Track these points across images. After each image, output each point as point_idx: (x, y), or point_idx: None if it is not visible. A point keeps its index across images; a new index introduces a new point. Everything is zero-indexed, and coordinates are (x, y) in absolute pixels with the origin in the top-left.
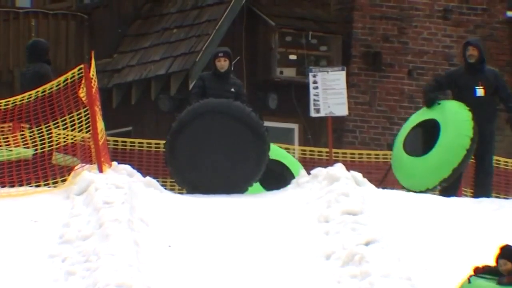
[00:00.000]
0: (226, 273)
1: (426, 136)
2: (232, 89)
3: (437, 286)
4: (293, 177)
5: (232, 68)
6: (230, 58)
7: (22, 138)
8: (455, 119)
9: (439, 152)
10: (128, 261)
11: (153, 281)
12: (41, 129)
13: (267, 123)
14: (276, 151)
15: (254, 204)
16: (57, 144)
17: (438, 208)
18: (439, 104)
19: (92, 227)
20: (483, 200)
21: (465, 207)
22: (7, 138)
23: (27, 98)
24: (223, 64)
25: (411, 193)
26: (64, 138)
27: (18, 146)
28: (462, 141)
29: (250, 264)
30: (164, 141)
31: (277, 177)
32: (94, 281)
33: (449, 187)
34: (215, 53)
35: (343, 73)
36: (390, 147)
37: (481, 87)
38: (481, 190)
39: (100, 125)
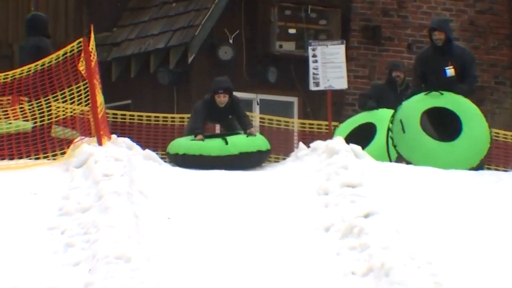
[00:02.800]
0: (225, 245)
1: (437, 123)
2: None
3: (436, 259)
4: None
5: (231, 40)
6: (231, 93)
7: (21, 111)
8: (475, 113)
9: (467, 141)
10: (127, 233)
11: (152, 253)
12: (40, 102)
13: (266, 97)
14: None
15: (253, 177)
16: (56, 117)
17: (437, 181)
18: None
19: (92, 199)
20: (483, 173)
21: (465, 179)
22: (6, 111)
23: (26, 72)
24: (222, 100)
25: (410, 166)
26: (63, 111)
27: (18, 119)
28: (487, 135)
29: (248, 237)
30: (164, 114)
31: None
32: (93, 253)
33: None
34: (215, 89)
35: (343, 47)
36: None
37: (451, 67)
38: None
39: (100, 98)
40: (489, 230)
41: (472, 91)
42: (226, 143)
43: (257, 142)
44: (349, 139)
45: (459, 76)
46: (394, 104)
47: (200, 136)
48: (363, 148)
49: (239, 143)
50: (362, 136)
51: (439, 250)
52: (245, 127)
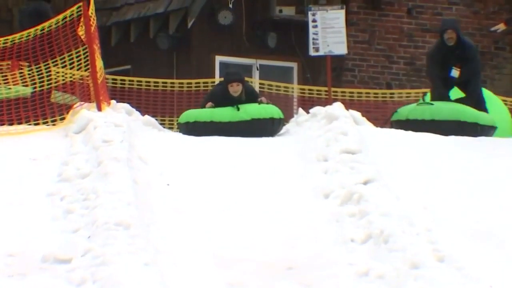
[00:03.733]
0: (224, 211)
1: None
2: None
3: (436, 225)
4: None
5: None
6: (243, 82)
7: (21, 76)
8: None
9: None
10: (127, 199)
11: (151, 219)
12: (40, 67)
13: (266, 62)
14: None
15: (253, 143)
16: (56, 83)
17: (436, 147)
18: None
19: (91, 165)
20: (482, 139)
21: (464, 145)
22: (6, 76)
23: (26, 36)
24: (236, 89)
25: (409, 132)
26: (63, 76)
27: (17, 84)
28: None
29: (248, 203)
30: (163, 80)
31: None
32: (93, 219)
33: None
34: (228, 79)
35: (343, 12)
36: (388, 85)
37: (458, 69)
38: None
39: (99, 63)
40: (488, 196)
41: (474, 100)
42: (238, 109)
43: (270, 109)
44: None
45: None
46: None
47: (210, 103)
48: None
49: (251, 109)
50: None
51: (439, 217)
52: (258, 99)
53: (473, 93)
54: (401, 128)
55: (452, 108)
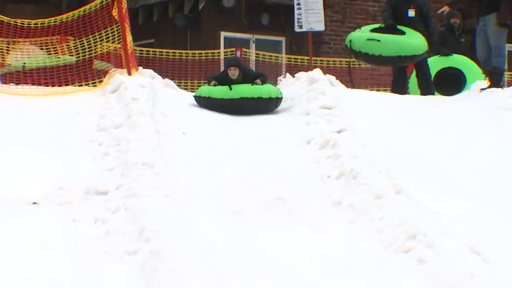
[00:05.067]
0: (227, 153)
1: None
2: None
3: (394, 164)
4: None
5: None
6: (240, 67)
7: (67, 48)
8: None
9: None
10: (151, 145)
11: (170, 161)
12: (82, 41)
13: (260, 37)
14: (454, 60)
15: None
16: (95, 53)
17: (394, 104)
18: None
19: (123, 118)
20: (431, 97)
21: (416, 102)
22: (56, 47)
23: (71, 17)
24: (233, 72)
25: (373, 92)
26: (101, 48)
27: (65, 54)
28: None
29: (247, 148)
30: (180, 50)
31: (455, 80)
32: (124, 160)
33: (399, 86)
34: (227, 65)
35: None
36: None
37: (413, 9)
38: (425, 91)
39: (129, 37)
40: (437, 140)
41: (434, 29)
42: (230, 89)
43: (260, 90)
44: (437, 79)
45: (418, 18)
46: (454, 45)
47: (214, 82)
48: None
49: (241, 89)
50: (449, 78)
51: (396, 158)
52: (256, 79)
53: (431, 27)
54: (355, 57)
55: (395, 44)
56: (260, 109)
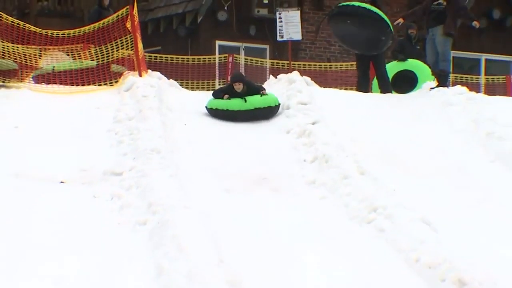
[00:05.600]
0: (222, 142)
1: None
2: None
3: (359, 150)
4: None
5: (226, 7)
6: (244, 81)
7: (89, 54)
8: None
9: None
10: (158, 134)
11: (174, 147)
12: (101, 48)
13: (248, 45)
14: (409, 64)
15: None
16: (112, 58)
17: (359, 100)
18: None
19: (135, 112)
20: (388, 95)
21: (377, 99)
22: (79, 53)
23: (92, 28)
24: (238, 87)
25: (342, 90)
26: (116, 54)
27: (87, 59)
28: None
29: (237, 137)
30: (182, 56)
31: (409, 80)
32: (136, 147)
33: (363, 86)
34: (233, 80)
35: (298, 12)
36: (328, 60)
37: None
38: (384, 90)
39: (140, 45)
40: (395, 130)
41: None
42: (245, 101)
43: (268, 100)
44: (395, 80)
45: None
46: (411, 52)
47: (227, 96)
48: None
49: (254, 101)
50: (404, 79)
51: (361, 145)
52: (259, 91)
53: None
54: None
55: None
56: (268, 115)
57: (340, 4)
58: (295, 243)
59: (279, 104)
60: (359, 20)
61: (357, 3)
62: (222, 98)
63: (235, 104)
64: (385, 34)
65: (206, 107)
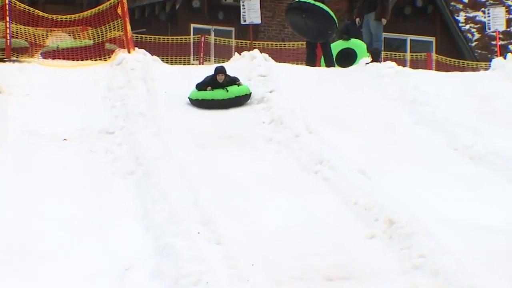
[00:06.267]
0: (194, 106)
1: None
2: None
3: (307, 113)
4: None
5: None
6: (225, 73)
7: (87, 35)
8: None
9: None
10: (144, 100)
11: (157, 111)
12: (97, 30)
13: (218, 27)
14: (351, 43)
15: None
16: (106, 38)
17: (308, 73)
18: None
19: (124, 82)
20: (332, 69)
21: (322, 72)
22: (79, 34)
23: (90, 13)
24: (221, 77)
25: (293, 65)
26: (109, 35)
27: (85, 39)
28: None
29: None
30: (163, 36)
31: (350, 56)
32: (126, 110)
33: (311, 62)
34: (216, 71)
35: (258, 1)
36: (283, 40)
37: None
38: (329, 64)
39: (128, 27)
40: (339, 95)
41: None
42: (227, 91)
43: (244, 89)
44: (339, 56)
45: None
46: (355, 33)
47: (209, 88)
48: (351, 63)
49: (234, 90)
50: (346, 55)
51: (310, 109)
52: (235, 82)
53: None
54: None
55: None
56: (244, 101)
57: (298, 0)
58: (256, 189)
59: (251, 93)
60: (313, 16)
61: (312, 1)
62: (206, 90)
63: (219, 94)
64: (331, 29)
65: (189, 98)
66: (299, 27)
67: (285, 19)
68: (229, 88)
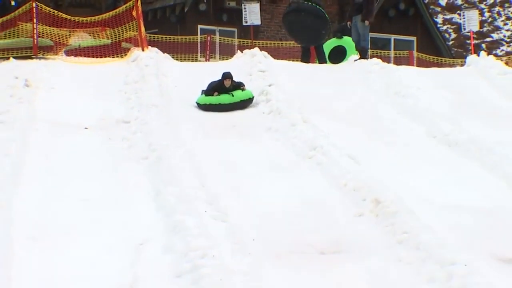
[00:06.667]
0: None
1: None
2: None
3: (303, 105)
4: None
5: (205, 1)
6: (232, 78)
7: (105, 35)
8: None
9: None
10: (156, 92)
11: (168, 102)
12: (114, 30)
13: (222, 28)
14: (343, 41)
15: (219, 66)
16: (123, 38)
17: (303, 69)
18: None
19: (139, 77)
20: (325, 65)
21: (316, 68)
22: (98, 34)
23: (108, 15)
24: (228, 82)
25: (290, 62)
26: (125, 34)
27: (104, 38)
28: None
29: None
30: (173, 36)
31: (341, 53)
32: (140, 102)
33: (305, 59)
34: (223, 76)
35: (258, 4)
36: (280, 39)
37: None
38: (321, 61)
39: (142, 28)
40: (327, 90)
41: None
42: (233, 96)
43: (247, 93)
44: (331, 53)
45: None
46: (349, 33)
47: (216, 93)
48: (342, 60)
49: (239, 94)
50: (338, 52)
51: (305, 101)
52: (240, 87)
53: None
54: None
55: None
56: (248, 105)
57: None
58: (256, 172)
59: (254, 96)
60: (310, 15)
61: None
62: (213, 95)
63: (225, 98)
64: (326, 28)
65: (197, 103)
66: (296, 28)
67: (283, 22)
68: (234, 92)
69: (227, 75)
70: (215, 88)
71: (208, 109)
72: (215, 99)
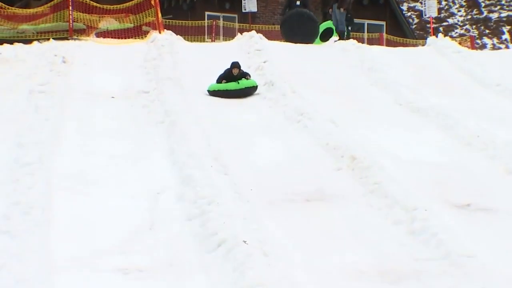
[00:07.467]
0: (209, 72)
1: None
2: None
3: (293, 80)
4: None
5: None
6: (239, 67)
7: (129, 19)
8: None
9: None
10: (171, 66)
11: (181, 75)
12: (136, 16)
13: (225, 14)
14: (331, 23)
15: (223, 46)
16: (142, 22)
17: (293, 48)
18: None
19: (156, 55)
20: (311, 45)
21: (303, 48)
22: (123, 19)
23: (131, 3)
24: (235, 71)
25: (282, 42)
26: (145, 20)
27: (127, 23)
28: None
29: (219, 68)
30: (185, 21)
31: (330, 34)
32: (157, 76)
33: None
34: (232, 65)
35: None
36: (274, 24)
37: (299, 2)
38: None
39: (159, 14)
40: (314, 66)
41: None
42: (238, 83)
43: (252, 82)
44: (322, 33)
45: (304, 7)
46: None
47: (224, 81)
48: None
49: (244, 82)
50: (327, 33)
51: (295, 75)
52: (245, 76)
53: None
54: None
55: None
56: (252, 92)
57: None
58: (252, 134)
59: (257, 85)
60: (306, 20)
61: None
62: (221, 83)
63: (232, 85)
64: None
65: (208, 90)
66: (292, 31)
67: (282, 25)
68: (240, 81)
69: (235, 65)
70: (224, 76)
71: (216, 94)
72: (223, 85)
